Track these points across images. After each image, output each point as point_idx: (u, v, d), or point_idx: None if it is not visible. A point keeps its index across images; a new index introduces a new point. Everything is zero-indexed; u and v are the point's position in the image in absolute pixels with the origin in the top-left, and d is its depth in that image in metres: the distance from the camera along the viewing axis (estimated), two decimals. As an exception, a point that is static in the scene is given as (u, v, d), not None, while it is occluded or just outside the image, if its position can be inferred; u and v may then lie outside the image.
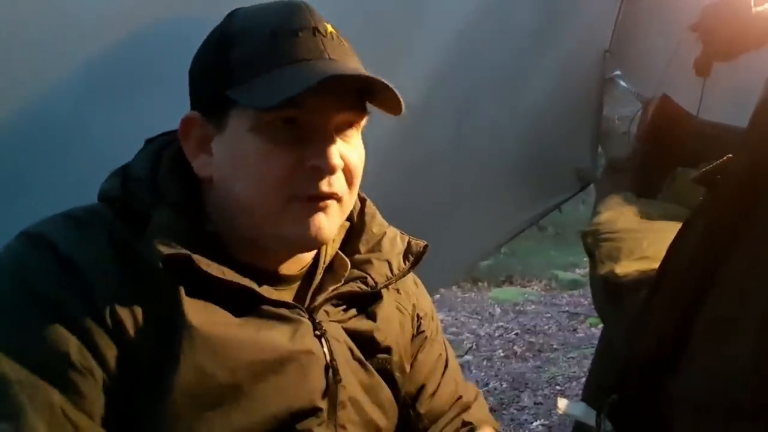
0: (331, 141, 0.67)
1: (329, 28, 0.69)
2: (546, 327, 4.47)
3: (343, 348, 0.75)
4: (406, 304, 0.85)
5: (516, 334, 4.35)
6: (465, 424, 0.88)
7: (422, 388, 0.86)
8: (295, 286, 0.75)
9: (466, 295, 5.31)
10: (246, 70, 0.65)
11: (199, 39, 0.70)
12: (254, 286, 0.68)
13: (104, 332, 0.61)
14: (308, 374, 0.70)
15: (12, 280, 0.62)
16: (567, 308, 4.86)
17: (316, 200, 0.69)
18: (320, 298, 0.74)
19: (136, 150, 0.76)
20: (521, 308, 4.92)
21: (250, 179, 0.67)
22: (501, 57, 1.83)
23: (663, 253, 1.05)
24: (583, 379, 3.55)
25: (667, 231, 1.38)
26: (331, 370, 0.72)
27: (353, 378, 0.75)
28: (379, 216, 0.84)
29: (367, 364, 0.78)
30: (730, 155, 0.88)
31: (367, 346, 0.78)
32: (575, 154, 2.50)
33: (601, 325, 4.19)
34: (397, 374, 0.81)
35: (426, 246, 0.84)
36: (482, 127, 1.86)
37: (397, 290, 0.85)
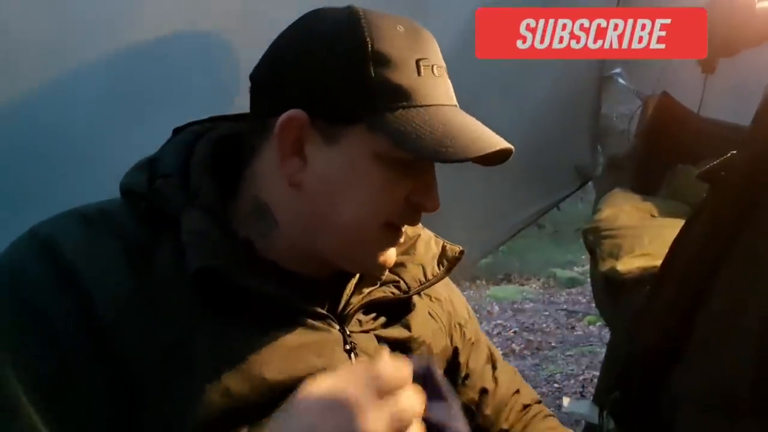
0: (436, 182, 0.69)
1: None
2: (544, 325, 4.47)
3: None
4: (439, 312, 0.82)
5: (514, 332, 4.35)
6: (524, 407, 0.88)
7: (483, 391, 0.85)
8: (326, 289, 0.71)
9: (465, 292, 5.21)
10: (389, 97, 0.62)
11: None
12: (293, 297, 0.65)
13: (96, 350, 0.56)
14: None
15: (7, 286, 0.58)
16: (565, 306, 4.86)
17: (402, 231, 0.70)
18: (354, 303, 0.71)
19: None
20: (519, 306, 4.92)
21: (358, 202, 0.64)
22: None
23: (664, 250, 1.05)
24: (581, 377, 3.56)
25: (668, 227, 1.39)
26: None
27: None
28: None
29: None
30: (734, 152, 0.88)
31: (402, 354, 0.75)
32: (574, 152, 2.50)
33: (599, 323, 4.22)
34: None
35: (462, 252, 0.81)
36: (482, 125, 1.85)
37: (429, 297, 0.82)
